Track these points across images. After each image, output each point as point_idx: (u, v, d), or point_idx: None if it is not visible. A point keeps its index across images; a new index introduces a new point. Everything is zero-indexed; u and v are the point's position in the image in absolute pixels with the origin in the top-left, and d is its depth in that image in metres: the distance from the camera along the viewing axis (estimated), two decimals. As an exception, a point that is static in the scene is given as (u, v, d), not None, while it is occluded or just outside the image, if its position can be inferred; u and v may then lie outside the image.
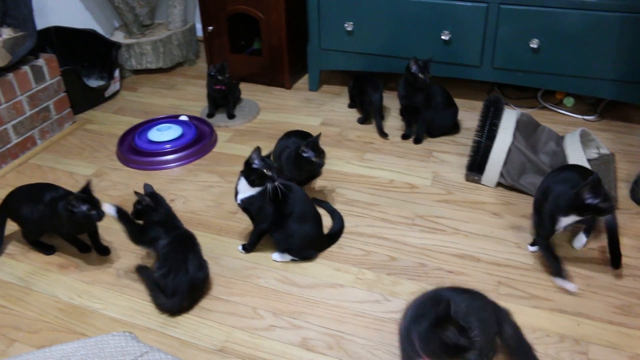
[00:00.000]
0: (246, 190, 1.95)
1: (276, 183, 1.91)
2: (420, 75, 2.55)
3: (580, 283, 1.92)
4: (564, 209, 1.82)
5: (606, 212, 1.76)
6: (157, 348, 1.10)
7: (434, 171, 2.55)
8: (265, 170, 1.89)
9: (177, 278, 1.82)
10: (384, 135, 2.82)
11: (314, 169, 2.25)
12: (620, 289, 1.91)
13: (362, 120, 2.96)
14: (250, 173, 1.91)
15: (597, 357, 1.68)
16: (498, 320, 1.54)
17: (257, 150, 1.91)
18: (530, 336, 1.73)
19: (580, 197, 1.76)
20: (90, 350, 1.08)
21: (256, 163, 1.90)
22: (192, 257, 1.86)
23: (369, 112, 2.92)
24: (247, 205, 1.98)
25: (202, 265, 1.89)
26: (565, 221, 1.84)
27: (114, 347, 1.08)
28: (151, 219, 1.93)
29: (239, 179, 1.97)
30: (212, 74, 2.89)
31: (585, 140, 2.47)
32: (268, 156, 1.96)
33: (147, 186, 2.00)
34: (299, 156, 2.17)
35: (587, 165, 2.21)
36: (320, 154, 2.19)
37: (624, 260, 1.98)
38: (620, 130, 2.84)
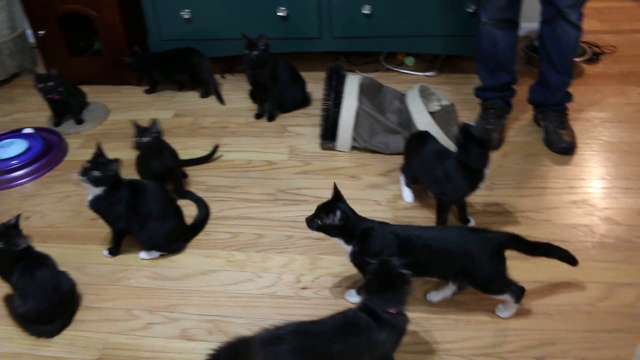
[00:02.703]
0: (92, 192, 1.91)
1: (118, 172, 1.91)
2: (245, 51, 2.59)
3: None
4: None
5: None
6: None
7: (290, 145, 2.61)
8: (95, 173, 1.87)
9: (46, 304, 1.73)
10: (222, 101, 3.00)
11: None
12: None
13: (205, 94, 3.08)
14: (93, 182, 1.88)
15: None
16: None
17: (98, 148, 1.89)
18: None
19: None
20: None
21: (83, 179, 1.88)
22: (50, 276, 1.76)
23: (207, 84, 3.06)
24: (95, 207, 1.94)
25: (64, 279, 1.81)
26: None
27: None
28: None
29: None
30: (40, 86, 2.73)
31: (425, 94, 2.61)
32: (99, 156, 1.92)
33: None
34: None
35: (427, 117, 2.35)
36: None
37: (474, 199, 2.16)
38: (458, 81, 3.04)
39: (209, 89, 3.07)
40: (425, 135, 2.11)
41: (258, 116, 2.85)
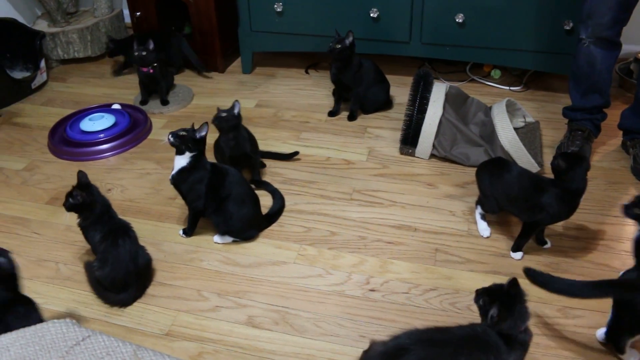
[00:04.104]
0: (177, 164, 1.96)
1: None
2: (330, 44, 2.60)
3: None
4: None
5: None
6: (99, 331, 1.10)
7: (369, 146, 2.61)
8: (181, 132, 1.94)
9: (123, 272, 1.79)
10: (204, 68, 3.29)
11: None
12: (548, 249, 2.01)
13: (176, 72, 3.29)
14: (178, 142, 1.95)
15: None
16: None
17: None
18: (466, 298, 1.82)
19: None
20: (30, 340, 1.07)
21: (170, 139, 1.93)
22: (130, 247, 1.82)
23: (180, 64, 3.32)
24: (177, 182, 1.98)
25: (142, 252, 1.87)
26: None
27: (54, 333, 1.07)
28: (86, 215, 1.83)
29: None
30: (136, 54, 2.83)
31: (511, 109, 2.56)
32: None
33: (81, 175, 1.84)
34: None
35: (512, 132, 2.30)
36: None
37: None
38: (544, 99, 2.96)
39: (180, 68, 3.34)
40: (503, 161, 2.05)
41: (331, 114, 2.86)
